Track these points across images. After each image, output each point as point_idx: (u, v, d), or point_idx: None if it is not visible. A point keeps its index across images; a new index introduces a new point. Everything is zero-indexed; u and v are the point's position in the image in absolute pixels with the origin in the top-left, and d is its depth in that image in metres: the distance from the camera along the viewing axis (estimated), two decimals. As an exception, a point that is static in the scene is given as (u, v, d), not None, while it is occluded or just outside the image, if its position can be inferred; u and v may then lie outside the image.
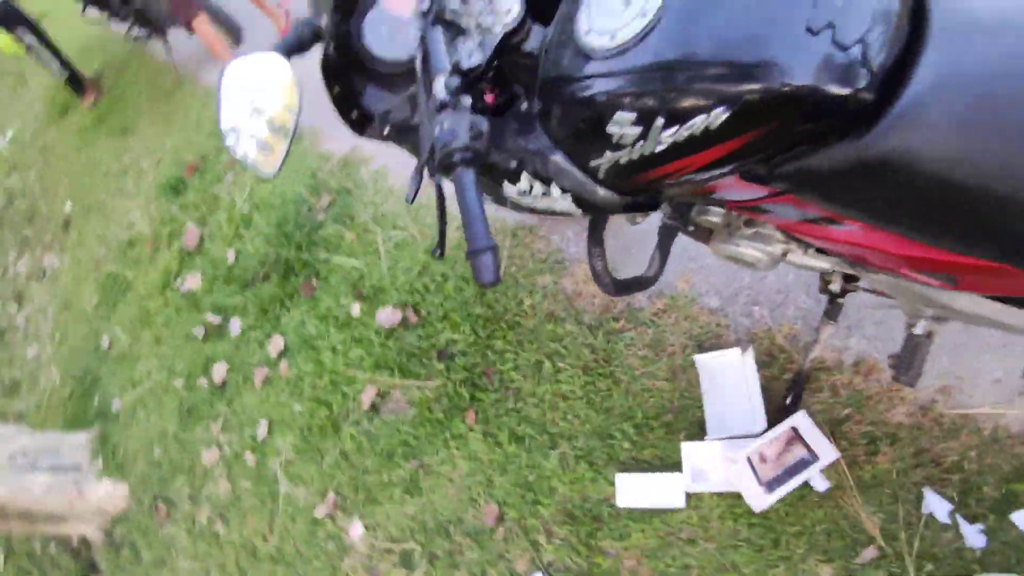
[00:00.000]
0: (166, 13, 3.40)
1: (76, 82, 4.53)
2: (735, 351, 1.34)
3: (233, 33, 3.57)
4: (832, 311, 1.13)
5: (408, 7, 0.83)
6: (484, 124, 0.65)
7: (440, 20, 0.78)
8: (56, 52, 4.29)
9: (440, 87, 0.66)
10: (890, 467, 1.15)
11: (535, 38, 0.77)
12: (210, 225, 2.61)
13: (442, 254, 0.80)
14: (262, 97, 0.77)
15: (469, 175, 0.63)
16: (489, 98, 0.82)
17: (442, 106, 0.65)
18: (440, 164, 0.64)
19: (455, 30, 0.78)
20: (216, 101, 0.80)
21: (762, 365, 1.33)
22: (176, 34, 3.84)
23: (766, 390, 1.30)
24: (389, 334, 1.88)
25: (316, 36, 0.83)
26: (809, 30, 0.54)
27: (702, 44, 0.57)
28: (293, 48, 0.83)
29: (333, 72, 0.79)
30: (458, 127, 0.63)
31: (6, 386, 3.46)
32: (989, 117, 0.51)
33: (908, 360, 0.95)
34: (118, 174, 3.54)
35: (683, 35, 0.57)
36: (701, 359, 1.38)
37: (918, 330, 0.94)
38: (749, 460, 1.16)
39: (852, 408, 1.23)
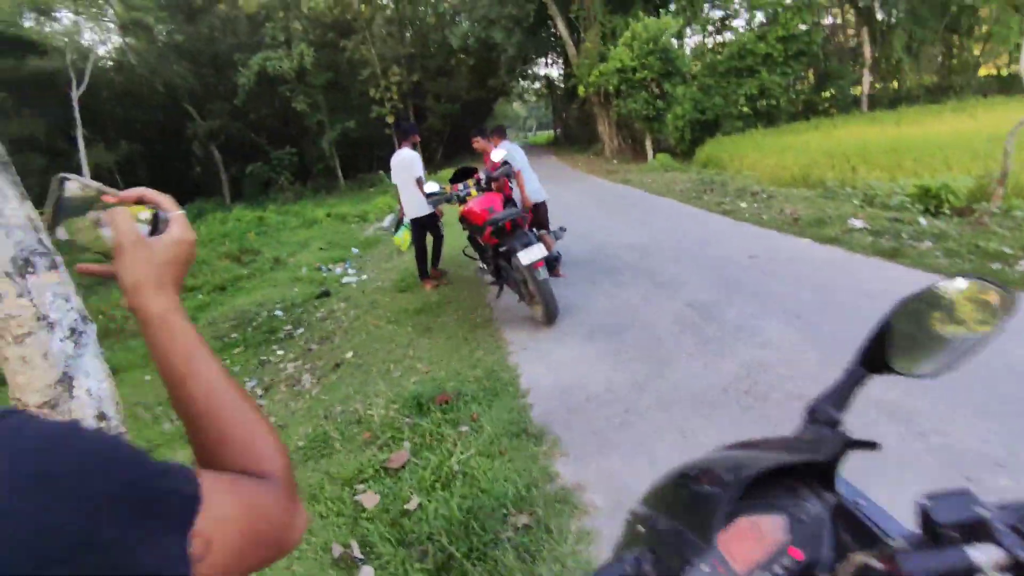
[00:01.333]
0: (516, 279, 4.10)
1: (423, 272, 6.01)
2: None
3: (550, 313, 4.07)
4: None
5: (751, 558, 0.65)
6: None
7: None
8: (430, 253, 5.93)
9: None
10: None
11: None
12: (420, 458, 2.67)
13: None
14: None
15: None
16: None
17: None
18: None
19: None
20: None
21: None
22: (508, 293, 4.60)
23: None
24: None
25: None
26: None
27: None
28: None
29: None
30: None
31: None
32: None
33: None
34: (397, 359, 4.09)
35: None
36: None
37: None
38: None
39: None
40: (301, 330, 6.11)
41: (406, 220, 5.99)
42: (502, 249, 3.96)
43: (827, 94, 22.81)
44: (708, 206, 8.40)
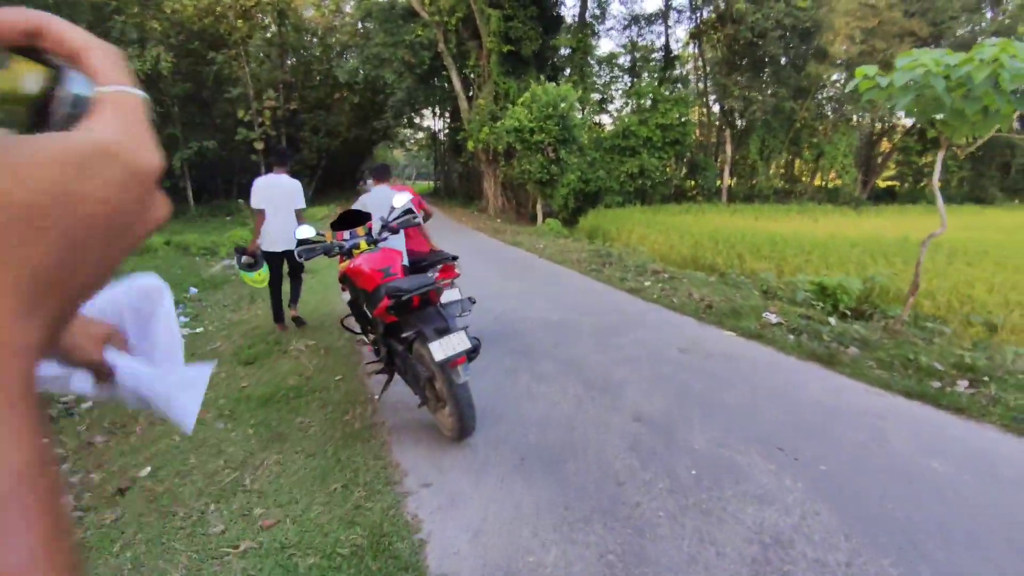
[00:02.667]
0: (422, 377, 2.90)
1: (279, 315, 5.55)
2: None
3: (465, 428, 2.90)
4: None
5: None
6: None
7: None
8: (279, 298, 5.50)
9: None
10: None
11: None
12: None
13: None
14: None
15: None
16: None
17: None
18: None
19: None
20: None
21: None
22: (397, 383, 3.38)
23: None
24: None
25: None
26: None
27: None
28: None
29: None
30: None
31: None
32: None
33: None
34: (222, 493, 2.61)
35: None
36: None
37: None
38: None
39: None
40: (88, 404, 4.30)
41: (260, 252, 5.16)
42: (405, 334, 2.76)
43: (694, 182, 24.81)
44: (612, 281, 7.85)
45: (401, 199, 3.63)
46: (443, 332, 2.65)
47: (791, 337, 5.25)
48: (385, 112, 27.52)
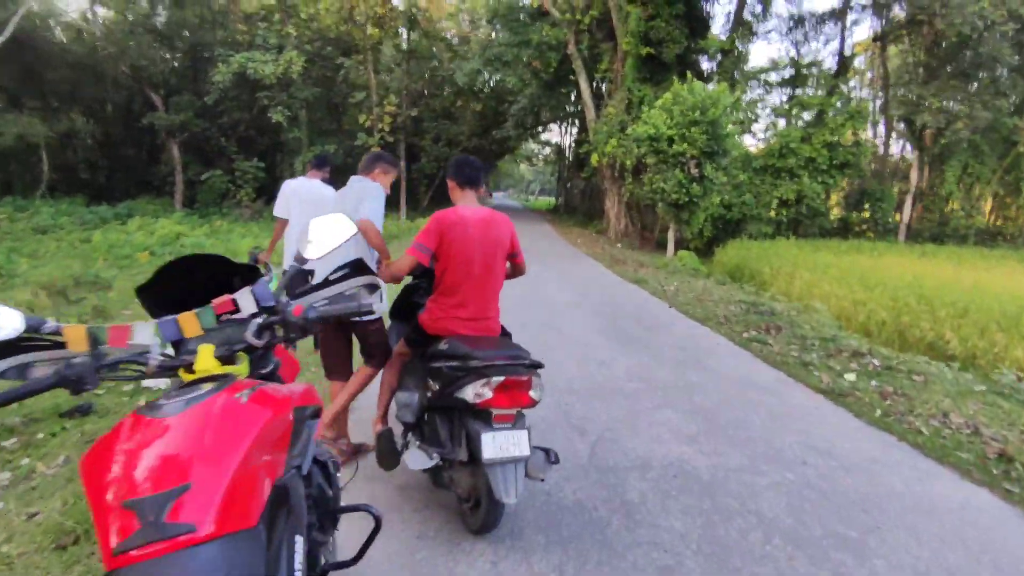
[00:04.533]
0: None
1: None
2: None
3: None
4: None
5: None
6: None
7: None
8: None
9: None
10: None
11: None
12: None
13: None
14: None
15: None
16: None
17: None
18: None
19: None
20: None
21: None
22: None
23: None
24: None
25: None
26: None
27: None
28: None
29: None
30: None
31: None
32: None
33: None
34: None
35: None
36: None
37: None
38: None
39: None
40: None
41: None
42: None
43: (861, 215, 20.31)
44: (788, 366, 4.97)
45: (334, 235, 1.31)
46: None
47: None
48: (507, 122, 25.98)
